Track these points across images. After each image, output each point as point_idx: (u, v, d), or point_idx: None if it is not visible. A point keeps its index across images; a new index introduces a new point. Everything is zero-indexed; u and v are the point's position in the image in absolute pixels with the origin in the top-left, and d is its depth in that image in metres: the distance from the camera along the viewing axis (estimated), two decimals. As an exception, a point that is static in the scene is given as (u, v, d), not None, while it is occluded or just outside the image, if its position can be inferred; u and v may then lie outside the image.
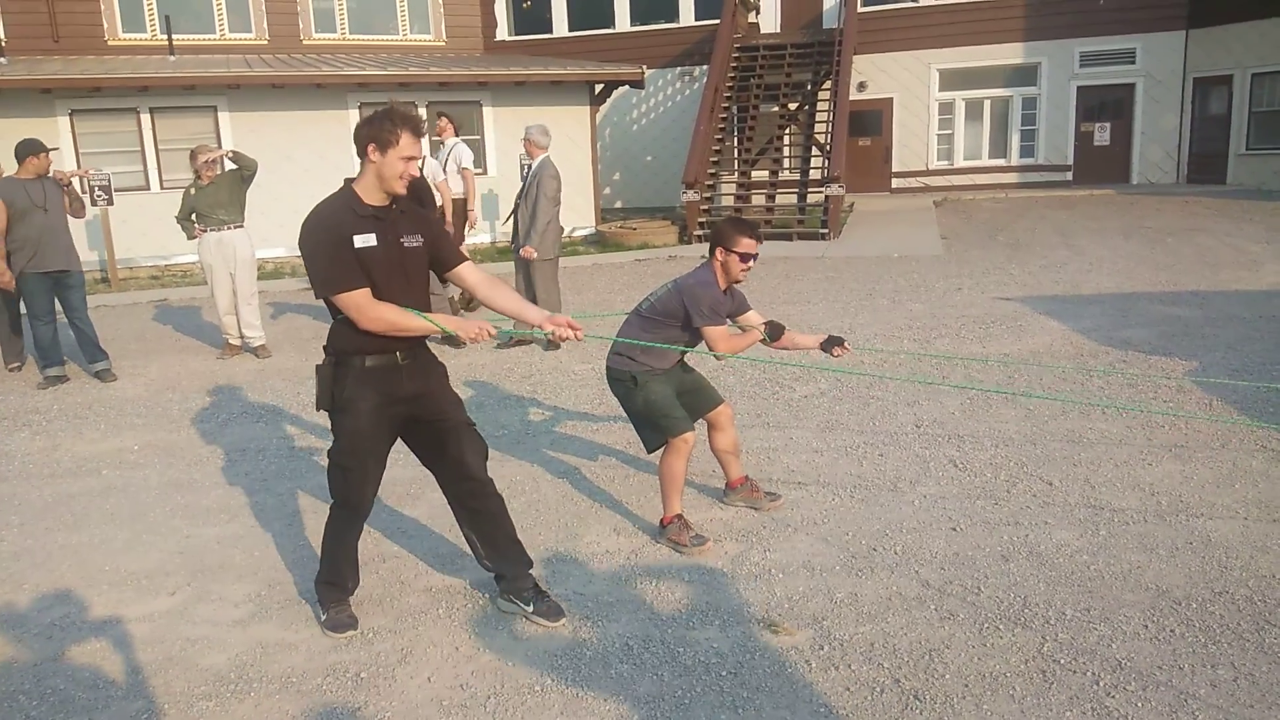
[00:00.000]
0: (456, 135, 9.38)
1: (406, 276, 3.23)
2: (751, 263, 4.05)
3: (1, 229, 6.94)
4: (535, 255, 7.66)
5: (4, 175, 7.48)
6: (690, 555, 3.97)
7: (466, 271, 3.39)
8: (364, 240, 3.12)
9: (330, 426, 3.34)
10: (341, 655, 3.32)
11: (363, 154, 3.13)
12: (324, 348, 3.30)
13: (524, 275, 7.91)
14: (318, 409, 3.34)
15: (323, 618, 3.50)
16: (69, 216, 7.33)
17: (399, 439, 3.44)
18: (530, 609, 3.48)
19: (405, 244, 3.22)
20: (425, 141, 3.33)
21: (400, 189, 3.16)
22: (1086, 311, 8.41)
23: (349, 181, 3.23)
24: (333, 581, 3.50)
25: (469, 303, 8.85)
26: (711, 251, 4.08)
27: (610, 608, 3.58)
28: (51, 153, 7.31)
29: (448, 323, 3.23)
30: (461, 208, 9.10)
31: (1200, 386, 6.03)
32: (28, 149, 7.09)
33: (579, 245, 15.27)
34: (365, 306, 3.12)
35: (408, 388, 3.27)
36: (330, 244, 3.10)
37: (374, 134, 3.10)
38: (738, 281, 4.11)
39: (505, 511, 3.52)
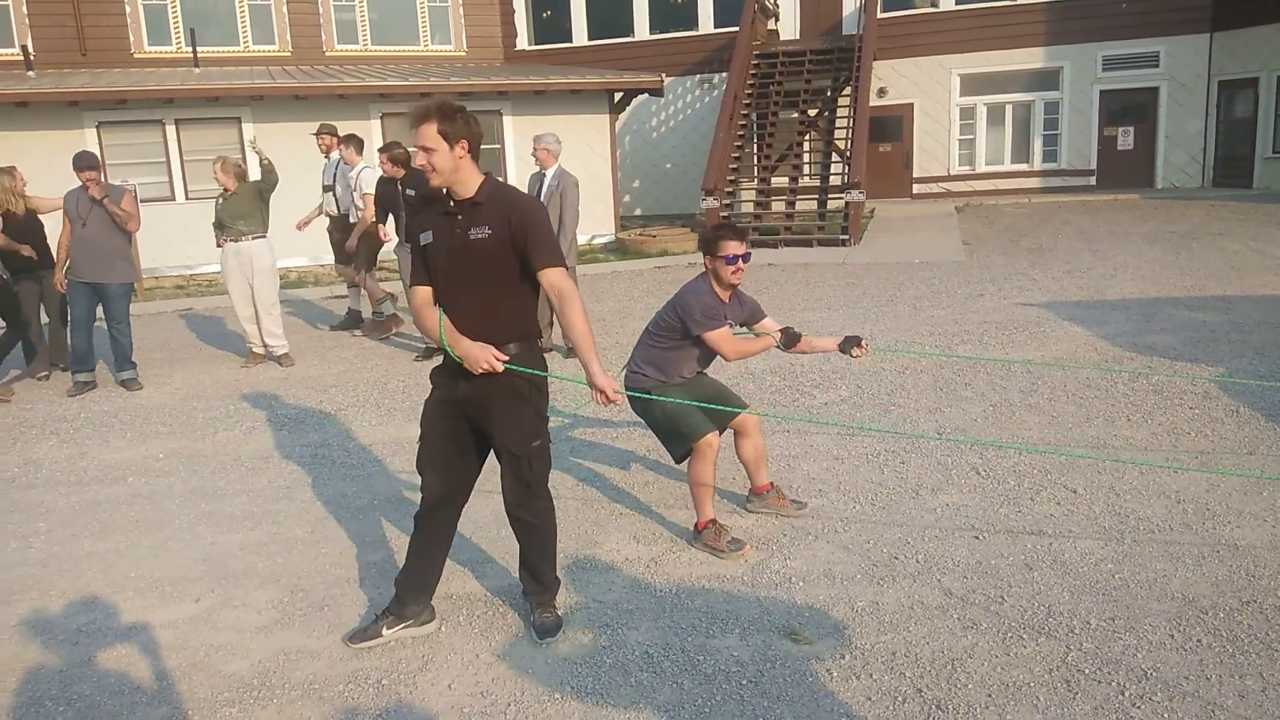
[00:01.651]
0: (340, 151, 9.08)
1: (464, 269, 3.17)
2: (741, 263, 4.03)
3: (66, 235, 7.38)
4: (571, 267, 7.68)
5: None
6: (725, 563, 3.97)
7: (544, 277, 3.20)
8: (425, 238, 3.26)
9: None
10: (363, 662, 3.33)
11: None
12: None
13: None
14: None
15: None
16: (128, 230, 7.47)
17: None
18: (532, 618, 3.50)
19: (472, 236, 3.16)
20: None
21: (431, 180, 3.18)
22: (1110, 317, 8.33)
23: None
24: (398, 580, 3.47)
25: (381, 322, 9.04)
26: (705, 261, 4.11)
27: (630, 615, 3.58)
28: (92, 169, 7.44)
29: (459, 344, 3.17)
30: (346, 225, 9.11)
31: (1227, 393, 5.96)
32: (74, 163, 7.27)
33: (598, 253, 15.31)
34: (415, 301, 3.30)
35: (463, 390, 3.26)
36: (411, 241, 3.33)
37: None
38: (732, 285, 4.10)
39: (532, 537, 3.48)
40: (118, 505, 5.01)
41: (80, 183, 7.23)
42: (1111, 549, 3.93)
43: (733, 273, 4.04)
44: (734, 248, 4.01)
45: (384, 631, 3.43)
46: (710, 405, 4.13)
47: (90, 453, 5.95)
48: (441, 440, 3.34)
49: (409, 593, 3.44)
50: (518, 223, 3.16)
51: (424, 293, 3.28)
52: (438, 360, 3.45)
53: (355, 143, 9.03)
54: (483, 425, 3.31)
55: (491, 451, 3.42)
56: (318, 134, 9.35)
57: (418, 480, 3.48)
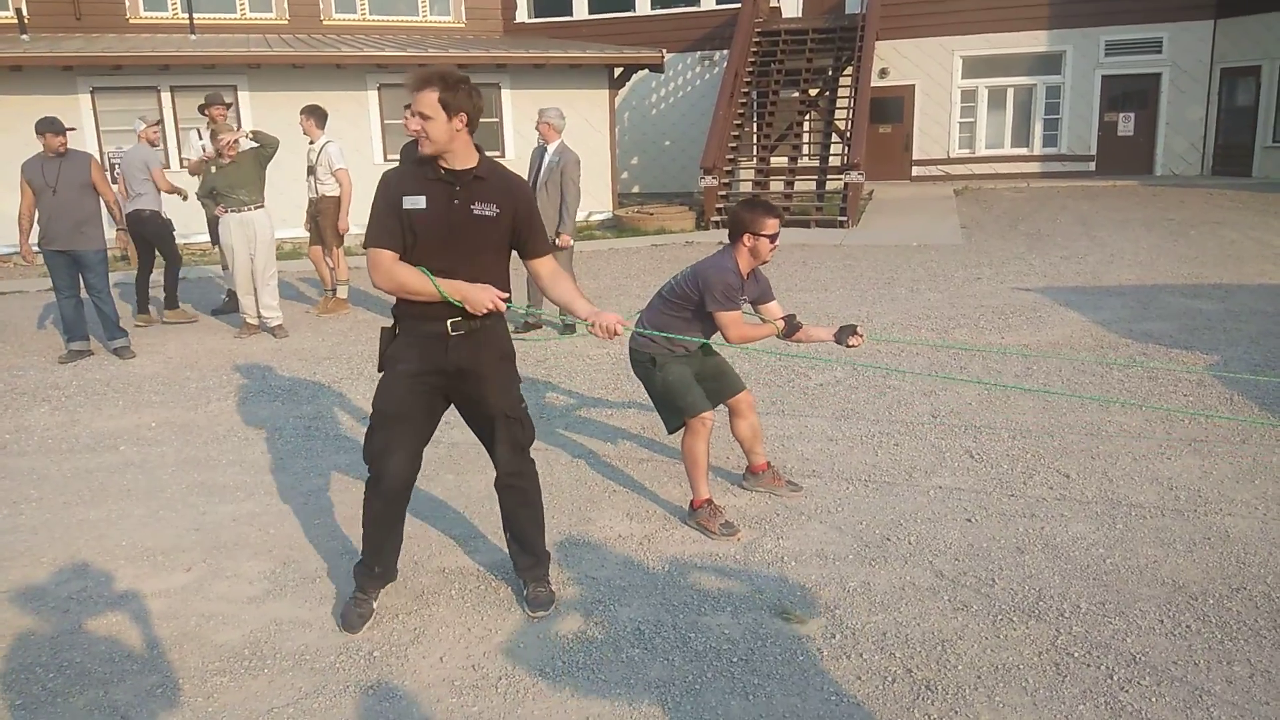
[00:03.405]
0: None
1: (464, 242, 3.13)
2: (777, 241, 4.07)
3: (29, 206, 7.22)
4: (571, 243, 7.61)
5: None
6: (717, 541, 3.97)
7: (537, 264, 3.33)
8: (413, 202, 3.10)
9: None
10: (354, 634, 3.33)
11: None
12: (391, 309, 3.30)
13: None
14: (378, 370, 3.33)
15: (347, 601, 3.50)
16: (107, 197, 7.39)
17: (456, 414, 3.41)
18: (525, 592, 3.50)
19: (475, 210, 3.12)
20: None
21: (423, 148, 3.10)
22: (1107, 303, 8.33)
23: None
24: (363, 562, 3.43)
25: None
26: (735, 238, 4.06)
27: (622, 592, 3.58)
28: (69, 131, 7.34)
29: (455, 290, 3.10)
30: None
31: (1221, 381, 5.97)
32: (39, 127, 7.14)
33: (595, 230, 15.24)
34: (381, 265, 3.10)
35: (452, 360, 3.20)
36: (382, 201, 3.13)
37: None
38: (765, 262, 4.11)
39: (526, 504, 3.47)
40: (110, 473, 4.99)
41: (43, 149, 7.11)
42: (1103, 534, 3.95)
43: (772, 249, 4.05)
44: (775, 224, 4.02)
45: (373, 604, 3.44)
46: (705, 387, 4.13)
47: (82, 420, 5.93)
48: (423, 417, 3.29)
49: (388, 563, 3.45)
50: (524, 210, 3.23)
51: (389, 254, 3.10)
52: None
53: (317, 114, 8.56)
54: (472, 391, 3.28)
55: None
56: (205, 105, 8.54)
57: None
